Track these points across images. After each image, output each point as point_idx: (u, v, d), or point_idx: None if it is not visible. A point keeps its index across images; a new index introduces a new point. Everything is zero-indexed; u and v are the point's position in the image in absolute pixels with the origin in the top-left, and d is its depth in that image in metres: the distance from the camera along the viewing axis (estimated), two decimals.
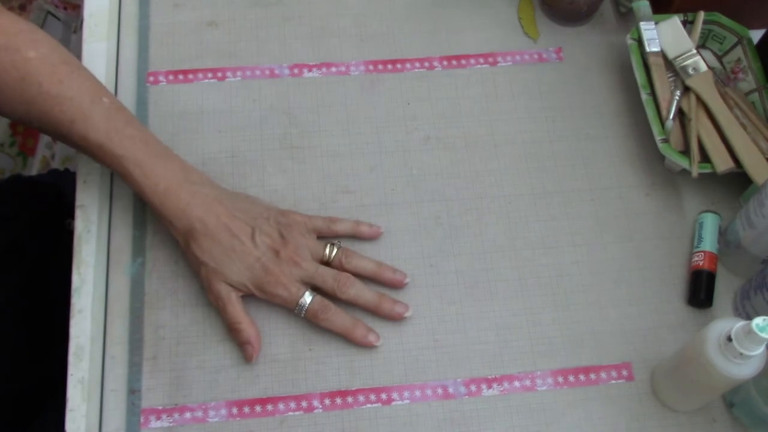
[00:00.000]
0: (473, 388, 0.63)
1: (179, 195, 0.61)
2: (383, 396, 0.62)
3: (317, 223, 0.65)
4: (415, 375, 0.63)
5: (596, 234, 0.69)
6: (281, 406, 0.61)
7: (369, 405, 0.62)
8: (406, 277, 0.65)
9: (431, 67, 0.76)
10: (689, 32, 0.74)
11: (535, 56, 0.78)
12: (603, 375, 0.64)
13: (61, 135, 0.62)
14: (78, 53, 0.74)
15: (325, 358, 0.63)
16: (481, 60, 0.77)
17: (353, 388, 0.62)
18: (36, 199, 0.83)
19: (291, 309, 0.62)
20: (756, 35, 0.75)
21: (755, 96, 0.72)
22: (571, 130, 0.74)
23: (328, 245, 0.64)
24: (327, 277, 0.62)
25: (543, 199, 0.71)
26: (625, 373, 0.64)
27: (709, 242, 0.67)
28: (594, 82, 0.77)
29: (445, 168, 0.71)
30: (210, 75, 0.74)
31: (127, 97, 0.73)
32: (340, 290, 0.62)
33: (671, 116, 0.69)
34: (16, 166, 1.28)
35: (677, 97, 0.70)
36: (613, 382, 0.63)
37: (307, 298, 0.61)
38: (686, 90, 0.71)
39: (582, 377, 0.63)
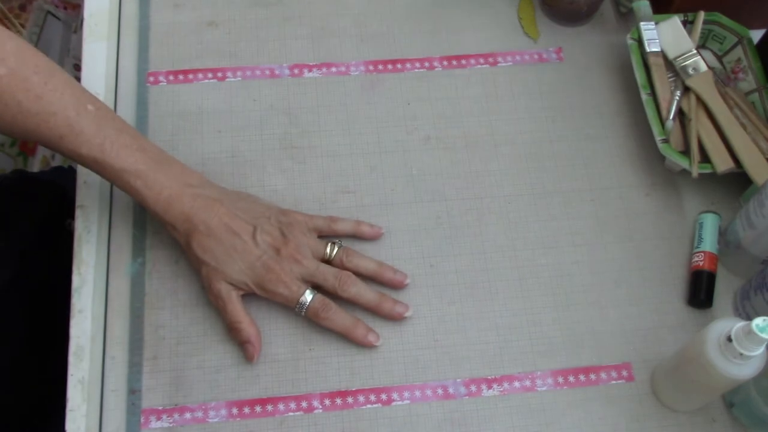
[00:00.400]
0: (473, 388, 0.63)
1: (182, 201, 0.61)
2: (383, 396, 0.62)
3: (318, 222, 0.65)
4: (415, 375, 0.63)
5: (596, 234, 0.69)
6: (281, 406, 0.61)
7: (369, 405, 0.62)
8: (406, 277, 0.65)
9: (431, 67, 0.76)
10: (689, 32, 0.74)
11: (535, 56, 0.78)
12: (603, 375, 0.64)
13: (53, 149, 0.60)
14: (78, 53, 0.74)
15: (326, 358, 0.63)
16: (481, 60, 0.77)
17: (353, 389, 0.62)
18: (38, 198, 0.83)
19: (292, 307, 0.62)
20: (756, 35, 0.75)
21: (755, 96, 0.72)
22: (571, 130, 0.74)
23: (329, 244, 0.64)
24: (328, 275, 0.62)
25: (543, 199, 0.71)
26: (625, 373, 0.64)
27: (709, 242, 0.67)
28: (594, 82, 0.77)
29: (445, 168, 0.71)
30: (210, 75, 0.74)
31: (127, 97, 0.73)
32: (341, 288, 0.62)
33: (671, 116, 0.69)
34: (16, 165, 1.28)
35: (677, 97, 0.70)
36: (613, 382, 0.63)
37: (308, 296, 0.61)
38: (686, 90, 0.71)
39: (582, 377, 0.63)
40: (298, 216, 0.64)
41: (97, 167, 0.60)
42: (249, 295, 0.63)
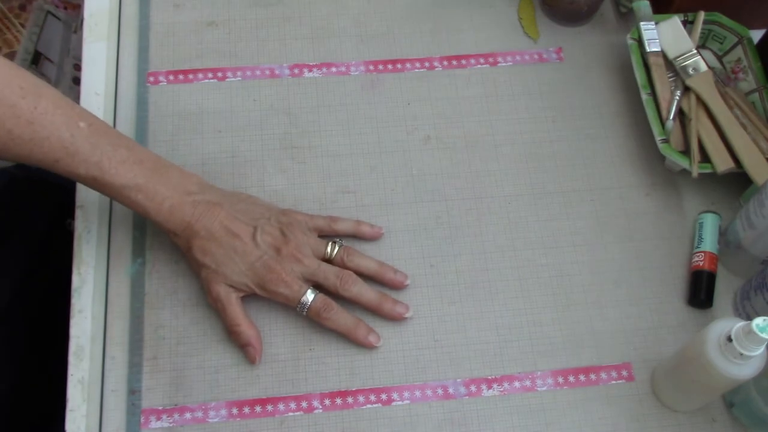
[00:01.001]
0: (473, 388, 0.63)
1: (183, 209, 0.61)
2: (383, 396, 0.62)
3: (318, 222, 0.65)
4: (415, 375, 0.63)
5: (596, 234, 0.69)
6: (281, 406, 0.61)
7: (369, 405, 0.62)
8: (407, 278, 0.65)
9: (431, 67, 0.76)
10: (689, 32, 0.74)
11: (535, 56, 0.78)
12: (603, 375, 0.64)
13: (50, 170, 0.59)
14: (78, 53, 0.74)
15: (326, 358, 0.63)
16: (481, 60, 0.77)
17: (353, 389, 0.62)
18: (41, 198, 0.83)
19: (293, 307, 0.62)
20: (756, 35, 0.75)
21: (755, 96, 0.72)
22: (571, 130, 0.74)
23: (330, 243, 0.64)
24: (329, 273, 0.62)
25: (543, 199, 0.71)
26: (625, 373, 0.64)
27: (709, 242, 0.67)
28: (594, 82, 0.77)
29: (445, 168, 0.71)
30: (210, 75, 0.74)
31: (127, 97, 0.73)
32: (342, 287, 0.62)
33: (671, 116, 0.69)
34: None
35: (677, 97, 0.70)
36: (613, 382, 0.63)
37: (310, 296, 0.61)
38: (686, 90, 0.71)
39: (582, 377, 0.63)
40: (298, 216, 0.64)
41: (96, 185, 0.59)
42: (249, 296, 0.63)
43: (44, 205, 0.82)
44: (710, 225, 0.68)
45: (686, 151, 0.69)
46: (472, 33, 0.78)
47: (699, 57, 0.72)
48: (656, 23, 0.73)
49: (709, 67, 0.72)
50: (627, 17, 0.80)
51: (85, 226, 0.67)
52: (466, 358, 0.64)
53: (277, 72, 0.75)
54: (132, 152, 0.60)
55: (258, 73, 0.75)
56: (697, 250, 0.67)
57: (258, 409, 0.61)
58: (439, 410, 0.62)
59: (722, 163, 0.67)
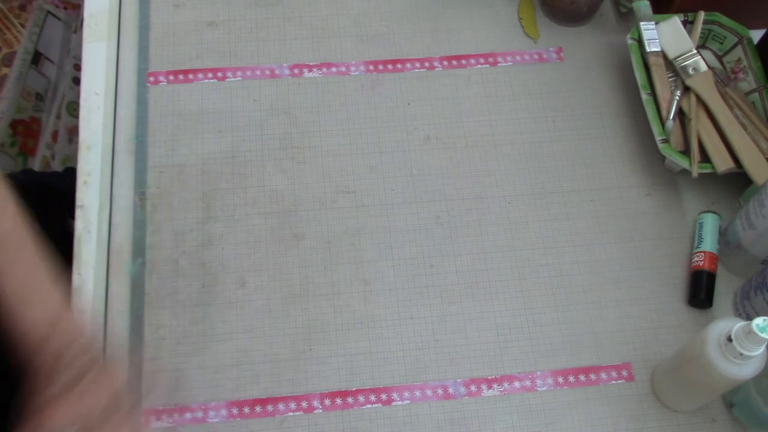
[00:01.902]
0: (473, 388, 0.63)
1: None
2: (383, 396, 0.62)
3: None
4: (415, 375, 0.63)
5: (596, 234, 0.69)
6: (281, 406, 0.61)
7: (369, 405, 0.62)
8: None
9: (431, 67, 0.76)
10: (689, 32, 0.74)
11: (535, 56, 0.78)
12: (603, 375, 0.64)
13: None
14: (78, 53, 0.74)
15: (325, 358, 0.63)
16: (481, 60, 0.77)
17: (353, 389, 0.62)
18: (43, 200, 0.83)
19: None
20: (756, 35, 0.75)
21: (755, 96, 0.72)
22: (571, 130, 0.74)
23: None
24: None
25: (543, 199, 0.71)
26: (625, 373, 0.64)
27: (709, 242, 0.67)
28: (594, 82, 0.77)
29: (445, 168, 0.71)
30: (210, 75, 0.74)
31: (127, 97, 0.73)
32: None
33: (671, 116, 0.69)
34: (16, 166, 1.28)
35: (677, 97, 0.70)
36: (613, 382, 0.63)
37: None
38: (686, 90, 0.71)
39: (582, 377, 0.63)
40: None
41: None
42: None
43: (46, 207, 0.82)
44: (710, 225, 0.68)
45: (686, 151, 0.69)
46: (472, 33, 0.78)
47: (699, 57, 0.72)
48: (656, 23, 0.73)
49: (709, 67, 0.72)
50: (627, 17, 0.80)
51: (85, 226, 0.67)
52: (466, 358, 0.64)
53: (277, 72, 0.75)
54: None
55: (258, 73, 0.75)
56: (697, 250, 0.67)
57: (258, 409, 0.61)
58: (439, 410, 0.62)
59: (722, 163, 0.67)
